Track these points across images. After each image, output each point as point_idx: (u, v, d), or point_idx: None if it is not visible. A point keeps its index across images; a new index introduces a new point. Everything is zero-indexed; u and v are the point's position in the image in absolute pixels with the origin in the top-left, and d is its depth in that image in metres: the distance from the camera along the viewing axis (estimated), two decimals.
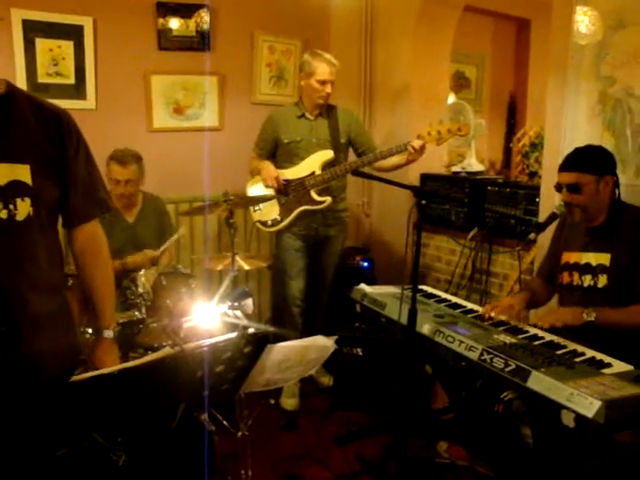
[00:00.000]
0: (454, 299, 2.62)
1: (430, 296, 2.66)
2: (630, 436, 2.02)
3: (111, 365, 1.61)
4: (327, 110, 3.29)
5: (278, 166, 3.30)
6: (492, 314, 2.28)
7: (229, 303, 2.21)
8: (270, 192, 3.24)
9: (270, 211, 3.31)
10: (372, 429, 2.97)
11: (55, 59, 3.30)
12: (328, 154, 3.21)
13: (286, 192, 3.23)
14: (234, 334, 1.41)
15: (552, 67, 2.89)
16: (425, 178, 3.79)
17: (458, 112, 3.69)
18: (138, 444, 1.71)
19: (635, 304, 2.12)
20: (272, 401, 3.19)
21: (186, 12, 3.63)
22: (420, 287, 2.74)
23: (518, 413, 2.17)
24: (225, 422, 2.51)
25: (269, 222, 3.32)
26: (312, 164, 3.21)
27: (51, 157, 1.51)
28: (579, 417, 1.57)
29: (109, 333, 1.69)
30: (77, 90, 3.40)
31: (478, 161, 3.77)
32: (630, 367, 1.84)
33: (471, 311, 2.43)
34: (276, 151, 3.33)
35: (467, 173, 3.65)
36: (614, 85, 2.62)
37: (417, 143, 3.00)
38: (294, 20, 4.01)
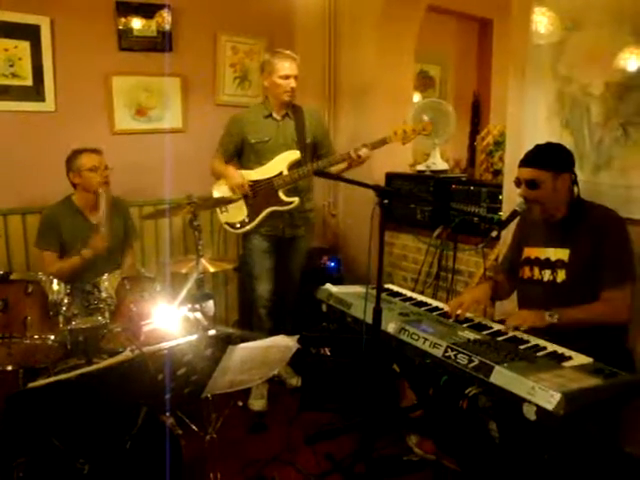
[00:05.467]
0: (419, 297, 2.64)
1: (395, 295, 2.67)
2: (591, 426, 2.06)
3: None
4: (293, 110, 3.28)
5: (244, 167, 3.28)
6: (459, 312, 2.30)
7: (189, 305, 2.19)
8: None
9: (238, 213, 3.28)
10: (341, 428, 2.97)
11: (11, 60, 3.22)
12: (295, 154, 3.20)
13: (253, 195, 3.21)
14: (194, 336, 1.40)
15: (512, 67, 2.93)
16: (390, 177, 3.81)
17: (441, 113, 3.64)
18: (101, 450, 1.68)
19: (594, 302, 2.16)
20: (240, 403, 3.16)
21: (147, 12, 3.58)
22: (386, 286, 2.76)
23: (485, 408, 2.19)
24: (193, 425, 2.48)
25: (237, 224, 3.30)
26: (279, 164, 3.20)
27: None
28: (540, 410, 1.59)
29: None
30: (36, 92, 3.33)
31: (443, 160, 3.81)
32: (589, 359, 1.87)
33: (436, 309, 2.45)
34: (242, 152, 3.31)
35: (431, 172, 3.69)
36: (571, 84, 2.66)
37: (362, 151, 3.07)
38: (257, 20, 3.98)
